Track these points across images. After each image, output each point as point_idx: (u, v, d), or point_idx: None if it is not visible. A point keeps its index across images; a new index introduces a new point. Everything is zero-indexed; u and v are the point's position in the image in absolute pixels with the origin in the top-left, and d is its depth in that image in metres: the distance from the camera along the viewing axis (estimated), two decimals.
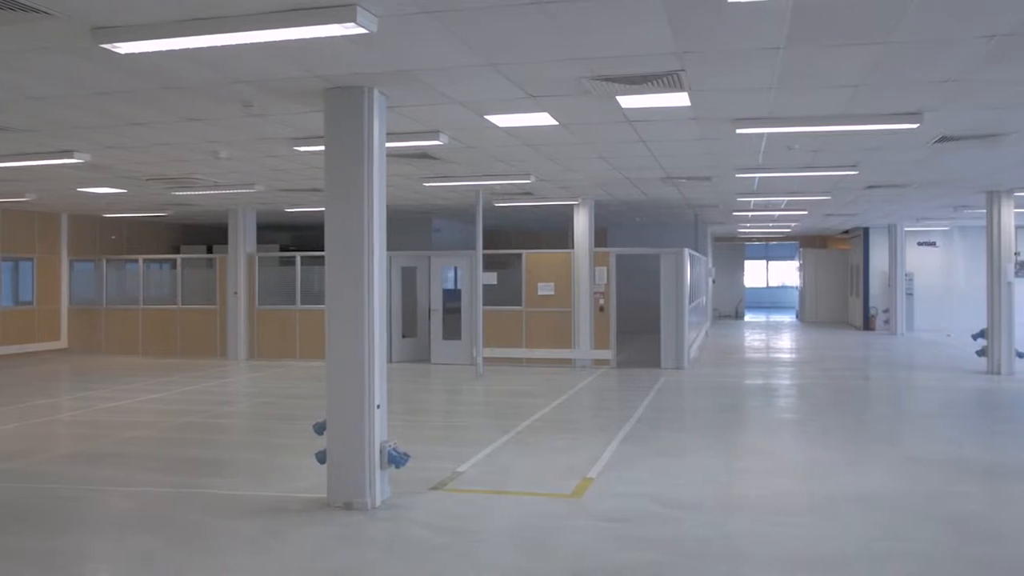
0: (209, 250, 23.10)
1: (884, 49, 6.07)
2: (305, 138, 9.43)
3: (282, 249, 22.09)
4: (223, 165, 11.64)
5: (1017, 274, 16.60)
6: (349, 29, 5.20)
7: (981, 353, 16.32)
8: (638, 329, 19.18)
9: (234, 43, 5.54)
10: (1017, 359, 15.90)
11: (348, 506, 6.86)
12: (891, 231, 25.59)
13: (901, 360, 19.23)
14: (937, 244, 27.02)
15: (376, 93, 7.05)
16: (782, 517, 6.81)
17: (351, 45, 5.84)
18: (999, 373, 15.69)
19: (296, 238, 24.96)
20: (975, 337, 16.72)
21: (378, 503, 6.92)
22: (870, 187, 14.96)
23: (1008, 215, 15.84)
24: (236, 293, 18.96)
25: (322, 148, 7.22)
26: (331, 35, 5.37)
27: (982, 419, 11.83)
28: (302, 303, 18.83)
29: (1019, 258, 17.55)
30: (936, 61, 6.43)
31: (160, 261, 21.98)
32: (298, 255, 19.18)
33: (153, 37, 5.40)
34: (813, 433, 10.43)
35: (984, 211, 16.41)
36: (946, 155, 11.01)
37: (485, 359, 15.88)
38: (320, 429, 7.17)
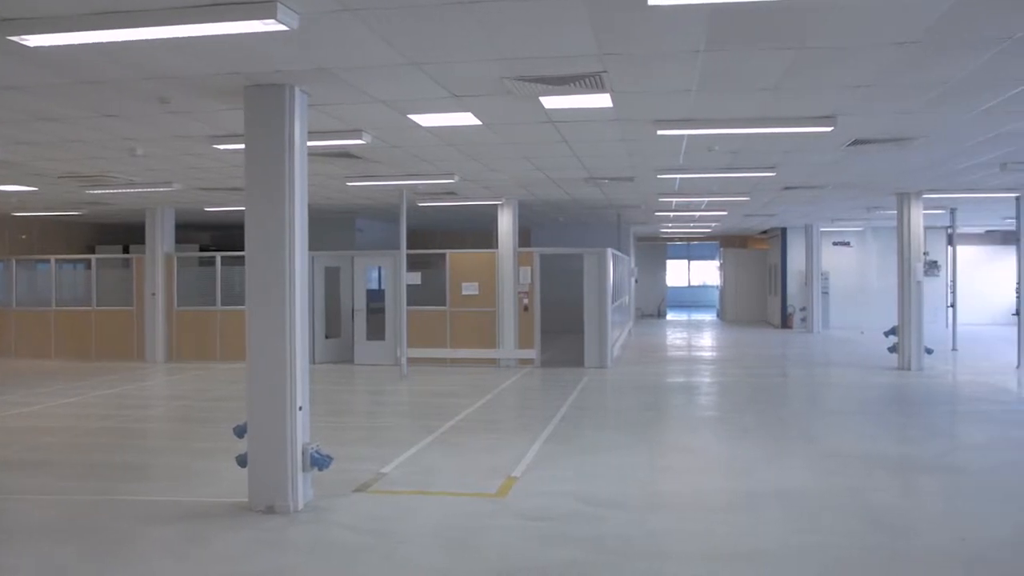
0: (126, 250, 22.53)
1: (799, 54, 6.22)
2: (225, 136, 9.26)
3: (202, 249, 21.68)
4: (139, 163, 11.36)
5: (926, 273, 17.16)
6: (269, 26, 5.12)
7: (893, 350, 16.82)
8: (562, 329, 19.30)
9: (150, 38, 5.40)
10: (926, 355, 16.45)
11: (270, 510, 6.76)
12: (807, 231, 26.23)
13: (817, 357, 19.71)
14: (851, 244, 27.75)
15: (297, 91, 6.96)
16: (703, 514, 6.93)
17: (272, 42, 5.76)
18: (909, 369, 16.19)
19: (216, 238, 24.49)
20: (887, 334, 17.23)
21: (300, 506, 6.84)
22: (787, 188, 15.30)
23: (917, 216, 16.36)
24: (154, 294, 18.53)
25: (242, 146, 7.10)
26: (251, 32, 5.29)
27: (894, 414, 12.18)
28: (223, 304, 18.48)
29: (928, 258, 18.16)
30: (849, 66, 6.62)
31: (74, 261, 21.34)
32: (218, 255, 18.82)
33: (64, 30, 5.24)
34: (734, 430, 10.63)
35: (895, 212, 16.91)
36: (859, 158, 11.32)
37: (409, 359, 15.81)
38: (241, 432, 7.06)
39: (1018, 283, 18.20)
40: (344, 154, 10.83)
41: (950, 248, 21.34)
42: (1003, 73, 6.77)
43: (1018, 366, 16.34)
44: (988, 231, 26.94)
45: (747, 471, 8.37)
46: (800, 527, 6.49)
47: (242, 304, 7.17)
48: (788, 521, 6.65)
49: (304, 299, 7.08)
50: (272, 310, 6.88)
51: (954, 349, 19.32)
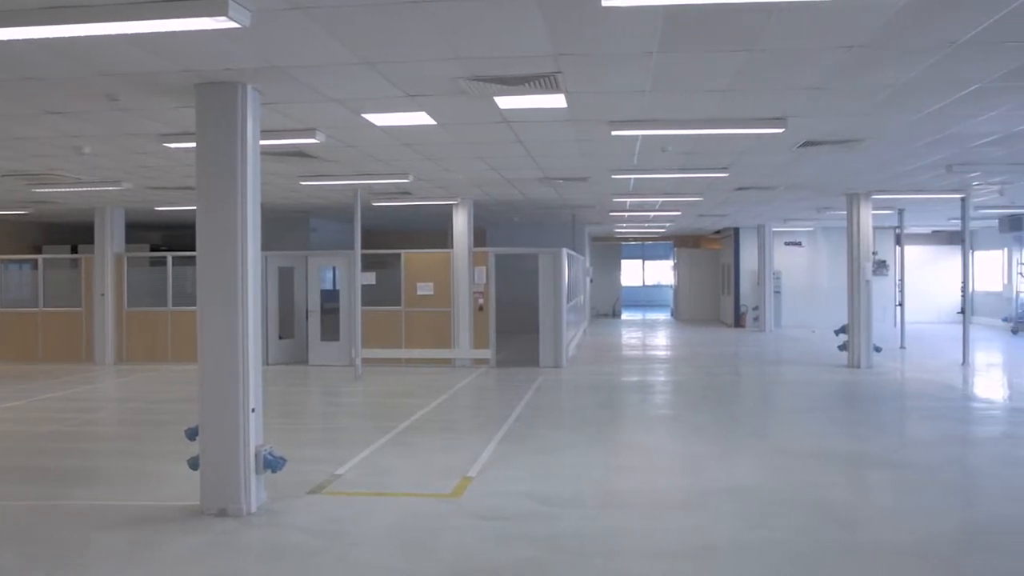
0: (74, 250, 22.13)
1: (751, 56, 6.29)
2: (176, 134, 9.13)
3: (153, 249, 21.35)
4: (87, 161, 11.16)
5: (875, 272, 17.45)
6: (221, 23, 5.05)
7: (843, 348, 17.08)
8: (517, 328, 19.32)
9: (98, 34, 5.31)
10: (875, 353, 16.73)
11: (222, 513, 6.68)
12: (760, 231, 26.51)
13: (769, 356, 19.94)
14: (802, 244, 28.10)
15: (250, 89, 6.89)
16: (657, 511, 6.98)
17: (223, 39, 5.69)
18: (859, 366, 16.45)
19: (167, 237, 24.15)
20: (837, 332, 17.51)
21: (254, 509, 6.77)
22: (740, 189, 15.46)
23: (866, 217, 16.62)
24: (103, 295, 18.22)
25: (193, 145, 7.00)
26: (202, 29, 5.22)
27: (844, 411, 12.36)
28: (174, 304, 18.23)
29: (876, 257, 18.46)
30: (799, 69, 6.71)
31: (20, 261, 20.91)
32: (169, 255, 18.57)
33: (9, 24, 5.11)
34: (687, 428, 10.72)
35: (845, 213, 17.17)
36: (810, 159, 11.48)
37: (364, 360, 15.72)
38: (192, 434, 6.97)
39: (963, 282, 18.59)
40: (298, 153, 10.75)
41: (898, 248, 21.69)
42: (948, 77, 6.91)
43: (963, 363, 16.68)
44: (934, 231, 27.44)
45: (700, 468, 8.44)
46: (752, 523, 6.56)
47: (194, 305, 7.09)
48: (741, 517, 6.72)
49: (257, 299, 7.00)
50: (224, 311, 6.80)
51: (902, 347, 19.66)
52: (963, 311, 18.12)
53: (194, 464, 6.92)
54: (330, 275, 19.13)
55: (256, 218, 6.99)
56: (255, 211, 6.96)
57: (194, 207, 6.97)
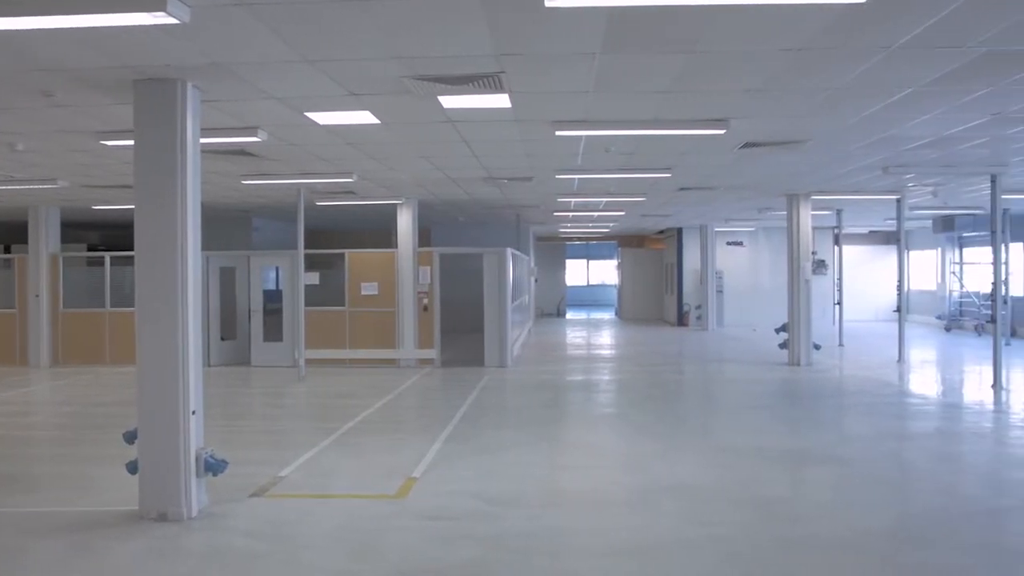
0: (7, 249, 21.53)
1: (692, 58, 6.36)
2: (114, 132, 8.94)
3: (90, 248, 20.90)
4: (21, 159, 10.88)
5: (814, 272, 17.76)
6: (159, 19, 4.95)
7: (783, 346, 17.35)
8: (463, 328, 19.27)
9: (32, 28, 5.19)
10: (814, 351, 17.03)
11: (162, 517, 6.57)
12: (702, 231, 26.81)
13: (712, 354, 20.17)
14: (744, 244, 28.46)
15: (190, 87, 6.77)
16: (601, 509, 7.03)
17: (162, 35, 5.59)
18: (799, 364, 16.72)
19: (106, 236, 23.66)
20: (778, 331, 17.79)
21: (194, 513, 6.66)
22: (683, 189, 15.62)
23: (806, 217, 16.91)
24: (37, 296, 17.79)
25: (132, 143, 6.88)
26: (140, 24, 5.13)
27: (785, 408, 12.57)
28: (112, 305, 17.86)
29: (816, 257, 18.78)
30: (739, 71, 6.80)
31: None
32: (107, 255, 18.20)
33: None
34: (631, 427, 10.81)
35: (785, 213, 17.45)
36: (751, 160, 11.63)
37: (308, 361, 15.58)
38: (131, 438, 6.84)
39: (899, 282, 19.01)
40: (240, 152, 10.60)
41: (836, 248, 22.07)
42: (883, 80, 7.06)
43: (899, 360, 17.05)
44: (871, 231, 27.97)
45: (643, 466, 8.51)
46: (695, 520, 6.64)
47: (132, 306, 6.95)
48: (683, 514, 6.80)
49: (197, 300, 6.88)
50: (164, 311, 6.67)
51: (841, 345, 20.03)
52: (899, 310, 18.53)
53: (133, 468, 6.79)
54: (273, 275, 18.92)
55: (196, 217, 6.88)
56: (195, 210, 6.85)
57: (132, 206, 6.84)
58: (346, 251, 17.47)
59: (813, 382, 14.79)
